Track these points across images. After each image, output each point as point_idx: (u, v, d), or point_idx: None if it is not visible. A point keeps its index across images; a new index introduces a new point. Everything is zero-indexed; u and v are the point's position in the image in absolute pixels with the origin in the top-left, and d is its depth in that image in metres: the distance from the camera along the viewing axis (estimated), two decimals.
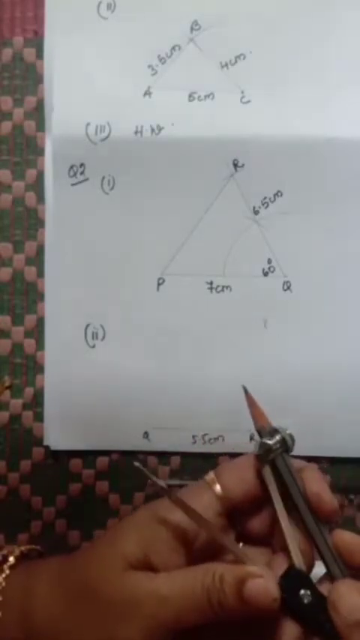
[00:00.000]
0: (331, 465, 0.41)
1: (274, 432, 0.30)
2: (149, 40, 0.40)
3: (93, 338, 0.41)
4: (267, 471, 0.30)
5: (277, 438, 0.30)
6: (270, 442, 0.30)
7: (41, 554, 0.36)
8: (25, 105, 0.41)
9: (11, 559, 0.33)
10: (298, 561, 0.29)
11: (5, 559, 0.33)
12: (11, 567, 0.33)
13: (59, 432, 0.41)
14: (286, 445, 0.30)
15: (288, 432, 0.30)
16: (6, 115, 0.41)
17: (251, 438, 0.41)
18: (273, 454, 0.30)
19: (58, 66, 0.40)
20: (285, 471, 0.30)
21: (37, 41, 0.41)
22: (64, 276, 0.40)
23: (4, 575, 0.32)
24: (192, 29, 0.39)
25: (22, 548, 0.35)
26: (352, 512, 0.42)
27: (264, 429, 0.31)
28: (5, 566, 0.33)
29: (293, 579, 0.28)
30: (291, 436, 0.30)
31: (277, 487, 0.30)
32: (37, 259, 0.41)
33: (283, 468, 0.30)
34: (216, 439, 0.41)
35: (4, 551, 0.34)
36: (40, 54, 0.40)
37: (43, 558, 0.36)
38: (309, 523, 0.30)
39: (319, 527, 0.30)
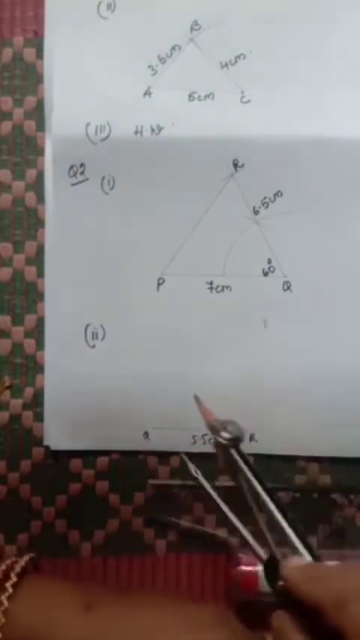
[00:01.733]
0: (331, 464, 0.41)
1: (227, 424, 0.31)
2: (149, 40, 0.40)
3: (93, 338, 0.41)
4: (235, 458, 0.31)
5: (232, 429, 0.31)
6: (228, 435, 0.31)
7: (35, 564, 0.36)
8: (25, 105, 0.41)
9: (10, 589, 0.33)
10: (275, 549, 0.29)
11: (3, 582, 0.33)
12: (9, 598, 0.32)
13: (59, 432, 0.41)
14: (240, 436, 0.31)
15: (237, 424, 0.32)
16: (6, 115, 0.41)
17: (251, 439, 0.41)
18: (231, 443, 0.31)
19: (58, 66, 0.40)
20: (242, 459, 0.31)
21: (37, 41, 0.41)
22: (64, 276, 0.40)
23: (2, 608, 0.32)
24: (192, 29, 0.39)
25: (21, 562, 0.34)
26: (352, 512, 0.42)
27: (214, 424, 0.32)
28: (3, 598, 0.32)
29: (273, 567, 0.29)
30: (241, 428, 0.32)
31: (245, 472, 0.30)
32: (37, 259, 0.41)
33: (238, 456, 0.31)
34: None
35: (3, 566, 0.33)
36: (40, 54, 0.40)
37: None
38: (269, 507, 0.30)
39: (279, 509, 0.30)
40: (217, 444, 0.31)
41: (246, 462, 0.31)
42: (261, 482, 0.30)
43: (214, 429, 0.32)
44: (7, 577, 0.33)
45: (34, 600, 0.33)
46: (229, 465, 0.31)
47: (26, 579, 0.34)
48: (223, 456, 0.31)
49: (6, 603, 0.32)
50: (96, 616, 0.32)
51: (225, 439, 0.31)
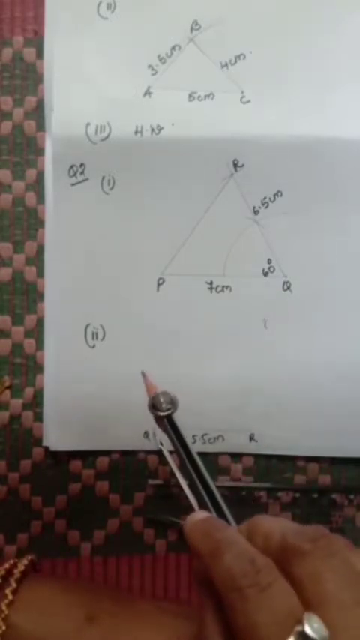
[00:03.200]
0: (331, 464, 0.41)
1: (164, 395, 0.32)
2: (149, 40, 0.40)
3: (93, 338, 0.41)
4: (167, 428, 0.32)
5: (168, 399, 0.32)
6: (164, 403, 0.32)
7: (34, 566, 0.36)
8: (25, 105, 0.41)
9: (9, 595, 0.32)
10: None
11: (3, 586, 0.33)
12: (9, 604, 0.32)
13: (59, 433, 0.41)
14: (175, 405, 0.32)
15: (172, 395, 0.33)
16: (6, 115, 0.41)
17: (251, 439, 0.41)
18: (166, 412, 0.32)
19: (58, 66, 0.40)
20: (176, 429, 0.32)
21: (37, 41, 0.41)
22: (64, 276, 0.40)
23: (2, 616, 0.31)
24: (192, 29, 0.39)
25: (20, 567, 0.34)
26: (352, 512, 0.42)
27: (157, 395, 0.33)
28: (3, 605, 0.32)
29: None
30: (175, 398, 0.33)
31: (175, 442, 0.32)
32: (37, 259, 0.41)
33: (173, 425, 0.32)
34: (216, 439, 0.41)
35: (2, 571, 0.33)
36: (40, 54, 0.40)
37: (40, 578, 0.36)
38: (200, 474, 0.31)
39: (209, 477, 0.31)
40: (155, 418, 0.32)
41: (175, 432, 0.31)
42: (186, 449, 0.31)
43: (153, 405, 0.33)
44: (6, 582, 0.33)
45: (35, 608, 0.32)
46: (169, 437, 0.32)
47: (26, 584, 0.33)
48: (163, 428, 0.32)
49: (6, 610, 0.31)
50: (98, 628, 0.32)
51: (162, 411, 0.32)
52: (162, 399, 0.32)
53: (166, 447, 0.40)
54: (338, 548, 0.24)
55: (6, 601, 0.32)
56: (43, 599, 0.33)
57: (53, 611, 0.33)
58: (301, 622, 0.21)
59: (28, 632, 0.31)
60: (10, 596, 0.32)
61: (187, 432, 0.41)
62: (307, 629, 0.21)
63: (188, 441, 0.32)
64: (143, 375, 0.34)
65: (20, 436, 0.41)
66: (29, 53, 0.41)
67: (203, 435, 0.41)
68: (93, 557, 0.41)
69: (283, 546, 0.24)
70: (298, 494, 0.41)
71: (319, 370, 0.40)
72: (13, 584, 0.32)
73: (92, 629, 0.32)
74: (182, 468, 0.31)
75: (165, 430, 0.32)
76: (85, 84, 0.40)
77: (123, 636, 0.31)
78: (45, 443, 0.41)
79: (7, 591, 0.32)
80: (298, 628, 0.21)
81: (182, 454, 0.31)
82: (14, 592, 0.32)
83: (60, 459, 0.41)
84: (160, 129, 0.39)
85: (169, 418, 0.32)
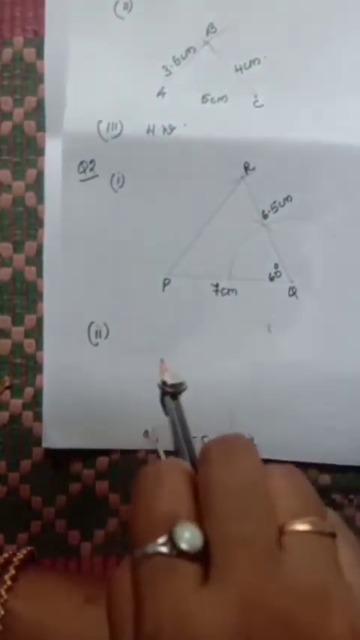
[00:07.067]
0: (331, 464, 0.41)
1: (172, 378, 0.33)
2: (164, 40, 0.40)
3: (96, 336, 0.40)
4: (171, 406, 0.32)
5: (176, 381, 0.32)
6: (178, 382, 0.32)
7: (33, 558, 0.36)
8: (25, 105, 0.41)
9: (8, 581, 0.33)
10: None
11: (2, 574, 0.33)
12: (8, 590, 0.32)
13: (59, 433, 0.41)
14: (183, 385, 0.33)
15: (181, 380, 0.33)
16: (6, 115, 0.41)
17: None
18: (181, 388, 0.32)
19: (72, 63, 0.39)
20: (179, 409, 0.31)
21: (37, 41, 0.41)
22: (68, 272, 0.40)
23: (2, 601, 0.32)
24: (208, 32, 0.39)
25: (19, 555, 0.34)
26: (352, 512, 0.42)
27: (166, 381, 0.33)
28: (2, 590, 0.32)
29: None
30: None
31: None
32: (37, 259, 0.41)
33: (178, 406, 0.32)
34: None
35: (1, 559, 0.33)
36: (40, 54, 0.40)
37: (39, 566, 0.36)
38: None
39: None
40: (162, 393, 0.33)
41: (178, 411, 0.31)
42: (183, 426, 0.30)
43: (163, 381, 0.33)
44: (5, 570, 0.33)
45: (33, 593, 0.33)
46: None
47: (25, 572, 0.34)
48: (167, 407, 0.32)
49: (5, 596, 0.32)
50: (96, 607, 0.32)
51: (169, 386, 0.32)
52: (172, 378, 0.32)
53: (162, 445, 0.40)
54: (237, 455, 0.22)
55: (5, 587, 0.32)
56: (42, 586, 0.34)
57: (52, 597, 0.33)
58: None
59: (27, 617, 0.32)
60: (9, 582, 0.32)
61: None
62: (175, 536, 0.20)
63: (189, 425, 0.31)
64: (162, 361, 0.34)
65: (20, 436, 0.41)
66: (29, 53, 0.41)
67: (203, 437, 0.41)
68: (93, 557, 0.41)
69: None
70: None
71: (321, 376, 0.40)
72: (12, 572, 0.33)
73: (91, 608, 0.32)
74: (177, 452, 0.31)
75: (169, 408, 0.31)
76: (99, 81, 0.40)
77: None
78: (44, 443, 0.41)
79: (6, 577, 0.32)
80: (168, 533, 0.20)
81: (180, 436, 0.31)
82: (13, 579, 0.32)
83: (60, 458, 0.41)
84: (172, 129, 0.39)
85: (175, 395, 0.32)
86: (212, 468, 0.22)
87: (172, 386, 0.32)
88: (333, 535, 0.21)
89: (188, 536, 0.20)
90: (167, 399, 0.32)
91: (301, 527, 0.21)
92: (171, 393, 0.32)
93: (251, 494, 0.21)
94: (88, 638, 0.31)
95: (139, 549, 0.20)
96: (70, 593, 0.33)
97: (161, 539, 0.20)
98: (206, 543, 0.20)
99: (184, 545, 0.20)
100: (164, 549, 0.20)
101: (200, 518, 0.21)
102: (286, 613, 0.19)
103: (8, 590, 0.32)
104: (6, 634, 0.31)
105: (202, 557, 0.20)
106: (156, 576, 0.20)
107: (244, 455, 0.22)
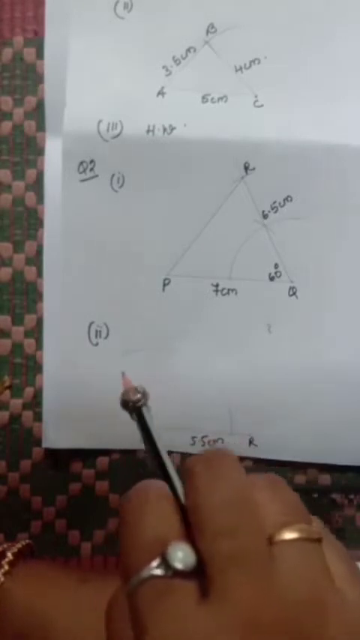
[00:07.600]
0: (331, 464, 0.41)
1: (135, 390, 0.32)
2: (165, 40, 0.39)
3: (96, 336, 0.40)
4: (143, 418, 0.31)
5: (139, 394, 0.32)
6: (135, 398, 0.32)
7: (32, 552, 0.36)
8: (25, 105, 0.41)
9: (6, 565, 0.33)
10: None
11: None
12: (5, 574, 0.33)
13: (59, 433, 0.41)
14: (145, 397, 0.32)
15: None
16: (6, 115, 0.41)
17: (250, 443, 0.41)
18: (139, 403, 0.31)
19: (72, 62, 0.39)
20: (148, 420, 0.31)
21: (37, 41, 0.40)
22: (68, 271, 0.40)
23: None
24: (208, 32, 0.39)
25: (18, 545, 0.35)
26: (352, 512, 0.42)
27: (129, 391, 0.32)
28: None
29: None
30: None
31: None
32: (37, 259, 0.41)
33: (146, 417, 0.31)
34: (215, 441, 0.41)
35: None
36: (40, 54, 0.40)
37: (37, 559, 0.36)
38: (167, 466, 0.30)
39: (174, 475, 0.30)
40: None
41: (144, 425, 0.31)
42: (149, 437, 0.30)
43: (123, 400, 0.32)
44: (3, 556, 0.34)
45: (30, 577, 0.34)
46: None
47: (22, 560, 0.34)
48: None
49: (2, 578, 0.32)
50: (92, 586, 0.33)
51: (132, 402, 0.31)
52: (131, 394, 0.32)
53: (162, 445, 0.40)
54: (221, 471, 0.22)
55: (2, 570, 0.32)
56: (37, 568, 0.35)
57: (48, 581, 0.34)
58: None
59: (23, 596, 0.32)
60: (7, 567, 0.33)
61: (186, 433, 0.41)
62: (168, 557, 0.20)
63: (158, 436, 0.30)
64: (123, 374, 0.34)
65: (20, 436, 0.41)
66: (29, 53, 0.41)
67: (203, 437, 0.41)
68: (93, 557, 0.41)
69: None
70: (297, 495, 0.41)
71: (321, 376, 0.40)
72: (10, 557, 0.33)
73: (86, 587, 0.33)
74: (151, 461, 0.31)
75: (137, 423, 0.31)
76: (99, 81, 0.39)
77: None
78: (44, 443, 0.41)
79: (4, 562, 0.33)
80: (161, 555, 0.20)
81: (149, 448, 0.31)
82: (11, 564, 0.33)
83: (60, 458, 0.41)
84: (172, 129, 0.39)
85: (138, 410, 0.31)
86: (198, 486, 0.22)
87: (133, 402, 0.32)
88: (320, 540, 0.21)
89: (181, 556, 0.20)
90: (133, 415, 0.31)
91: (290, 535, 0.21)
92: (132, 410, 0.32)
93: (239, 510, 0.21)
94: (84, 617, 0.31)
95: (134, 577, 0.21)
96: (66, 574, 0.35)
97: (155, 562, 0.20)
98: (199, 559, 0.21)
99: (178, 565, 0.20)
100: (159, 571, 0.20)
101: (189, 535, 0.21)
102: (287, 624, 0.19)
103: (6, 574, 0.33)
104: (2, 614, 0.32)
105: (197, 572, 0.20)
106: (155, 598, 0.20)
107: (228, 470, 0.23)
